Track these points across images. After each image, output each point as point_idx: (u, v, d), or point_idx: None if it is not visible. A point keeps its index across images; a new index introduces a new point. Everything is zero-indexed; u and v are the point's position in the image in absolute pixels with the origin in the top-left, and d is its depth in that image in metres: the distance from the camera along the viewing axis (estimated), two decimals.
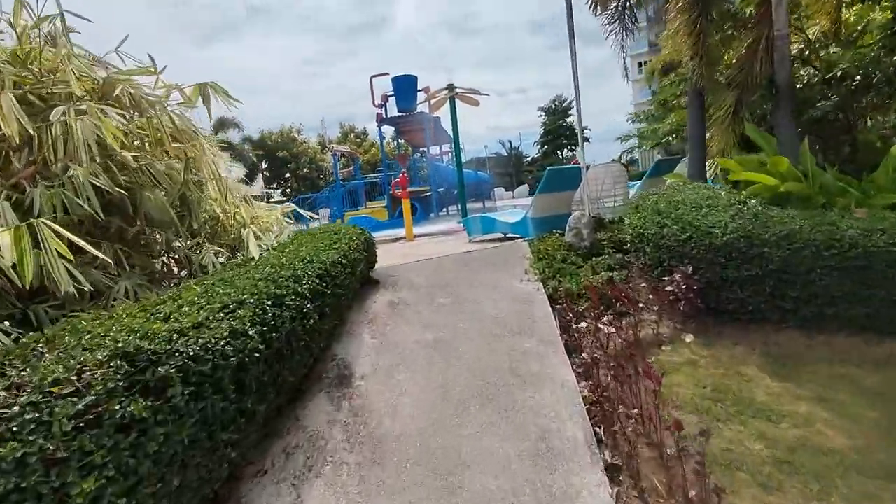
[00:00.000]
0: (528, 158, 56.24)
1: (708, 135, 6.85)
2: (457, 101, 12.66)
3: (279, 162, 36.93)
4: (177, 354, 1.75)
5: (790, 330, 3.69)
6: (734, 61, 6.31)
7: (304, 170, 36.85)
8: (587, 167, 6.54)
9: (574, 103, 5.94)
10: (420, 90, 22.03)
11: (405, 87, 21.65)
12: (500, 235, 7.39)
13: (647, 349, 3.78)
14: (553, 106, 58.40)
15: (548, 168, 6.28)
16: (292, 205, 5.42)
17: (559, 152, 57.71)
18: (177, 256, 3.43)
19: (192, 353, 1.79)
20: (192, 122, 3.67)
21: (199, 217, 3.35)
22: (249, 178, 38.22)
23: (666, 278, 4.13)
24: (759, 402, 2.97)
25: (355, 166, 24.69)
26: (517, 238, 6.90)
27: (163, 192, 3.13)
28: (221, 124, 35.13)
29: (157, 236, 3.17)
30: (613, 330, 3.90)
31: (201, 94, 3.82)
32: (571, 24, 6.12)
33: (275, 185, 38.68)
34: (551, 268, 4.92)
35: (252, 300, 2.28)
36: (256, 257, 3.35)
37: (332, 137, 41.06)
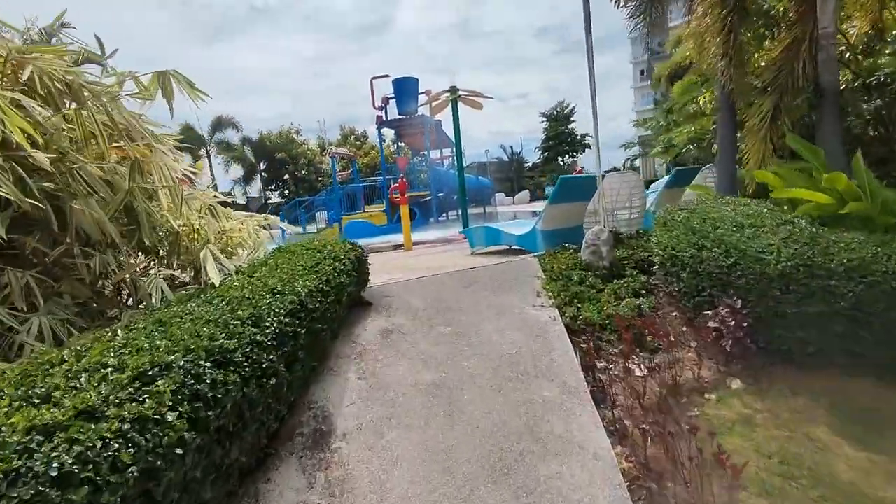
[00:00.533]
0: (529, 164, 55.74)
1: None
2: (459, 103, 12.09)
3: (278, 163, 36.34)
4: (25, 479, 1.12)
5: (863, 379, 3.07)
6: (771, 63, 5.72)
7: (303, 172, 36.25)
8: (602, 176, 5.95)
9: (591, 111, 5.33)
10: (421, 93, 21.48)
11: (406, 89, 21.10)
12: (505, 248, 6.80)
13: (687, 397, 3.17)
14: (555, 112, 58.03)
15: (560, 177, 5.69)
16: (273, 217, 4.78)
17: (560, 158, 57.27)
18: (123, 279, 2.81)
19: (53, 475, 1.15)
20: (145, 117, 3.07)
21: (149, 232, 2.73)
22: (246, 180, 37.71)
23: (708, 312, 3.52)
24: (843, 480, 2.35)
25: (354, 169, 24.10)
26: (524, 252, 6.30)
27: (101, 202, 2.52)
28: (219, 124, 34.60)
29: (94, 257, 2.54)
30: (647, 372, 3.29)
31: (161, 84, 3.22)
32: (589, 22, 5.52)
33: (273, 187, 38.11)
34: (567, 291, 4.31)
35: (184, 361, 1.65)
36: (217, 283, 2.73)
37: (332, 139, 40.50)
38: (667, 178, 7.37)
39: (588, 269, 4.66)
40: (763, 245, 3.42)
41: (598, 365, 3.43)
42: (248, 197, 38.14)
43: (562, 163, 56.30)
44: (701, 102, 11.92)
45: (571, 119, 57.75)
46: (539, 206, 30.85)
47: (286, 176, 36.40)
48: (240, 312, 2.16)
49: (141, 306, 2.85)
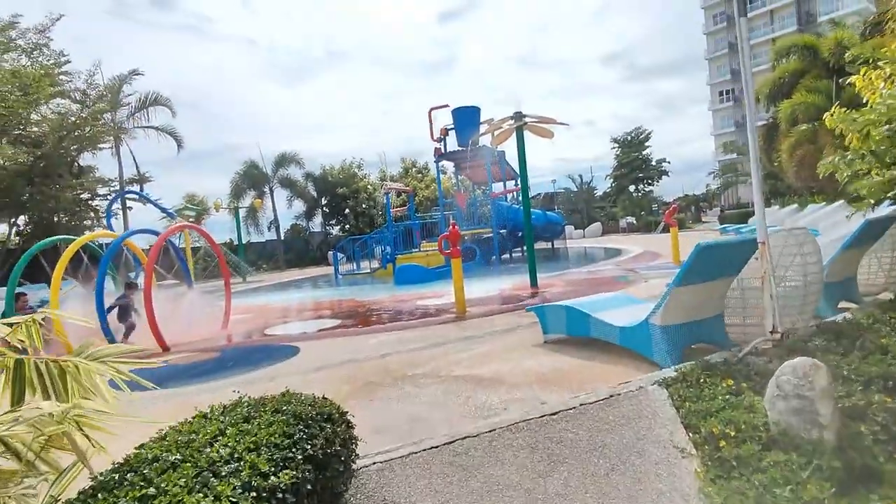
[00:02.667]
0: (599, 193, 52.42)
1: None
2: (525, 132, 10.10)
3: (338, 198, 35.87)
4: None
5: None
6: None
7: (363, 206, 35.50)
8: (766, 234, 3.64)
9: (750, 156, 3.17)
10: (482, 122, 19.73)
11: (467, 119, 19.41)
12: (580, 333, 4.58)
13: None
14: (629, 137, 54.75)
15: (698, 246, 3.45)
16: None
17: (633, 187, 53.57)
18: None
19: None
20: None
21: None
22: (308, 215, 37.59)
23: None
24: None
25: (410, 204, 22.59)
26: (630, 354, 4.04)
27: None
28: (283, 160, 34.80)
29: None
30: None
31: None
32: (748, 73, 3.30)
33: (333, 222, 37.70)
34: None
35: None
36: None
37: (394, 173, 39.75)
38: (856, 230, 4.83)
39: (785, 436, 2.37)
40: None
41: None
42: (310, 231, 37.94)
43: (637, 191, 52.56)
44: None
45: (646, 144, 54.22)
46: (613, 241, 28.27)
47: (346, 210, 35.79)
48: None
49: None
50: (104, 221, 26.63)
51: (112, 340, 6.84)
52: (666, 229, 29.75)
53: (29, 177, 18.49)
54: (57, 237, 8.59)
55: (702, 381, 3.05)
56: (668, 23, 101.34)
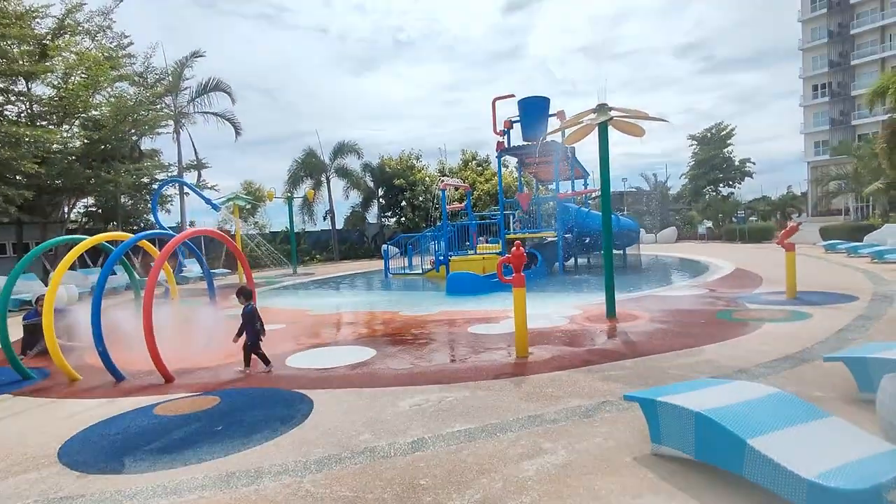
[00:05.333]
0: (673, 193, 48.58)
1: None
2: (609, 127, 8.26)
3: (395, 190, 34.89)
4: None
5: None
6: None
7: (420, 199, 34.32)
8: None
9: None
10: (552, 115, 17.77)
11: (534, 111, 17.50)
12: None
13: None
14: (708, 134, 50.36)
15: None
16: None
17: (713, 188, 49.24)
18: None
19: None
20: None
21: None
22: (364, 206, 36.88)
23: None
24: None
25: (468, 202, 21.02)
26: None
27: None
28: (341, 149, 34.15)
29: None
30: None
31: None
32: None
33: (389, 213, 36.80)
34: None
35: None
36: None
37: (453, 165, 38.28)
38: None
39: None
40: None
41: None
42: (367, 223, 37.27)
43: (713, 192, 48.26)
44: None
45: (728, 142, 49.66)
46: (692, 250, 23.69)
47: (403, 202, 34.72)
48: None
49: None
50: (169, 206, 27.06)
51: (104, 354, 5.75)
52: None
53: (89, 160, 18.53)
54: (63, 237, 7.72)
55: None
56: (751, 11, 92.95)
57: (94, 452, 3.82)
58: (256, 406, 4.74)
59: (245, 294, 6.27)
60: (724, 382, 3.52)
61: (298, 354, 6.94)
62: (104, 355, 5.79)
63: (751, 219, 33.58)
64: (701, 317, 8.06)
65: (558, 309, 9.47)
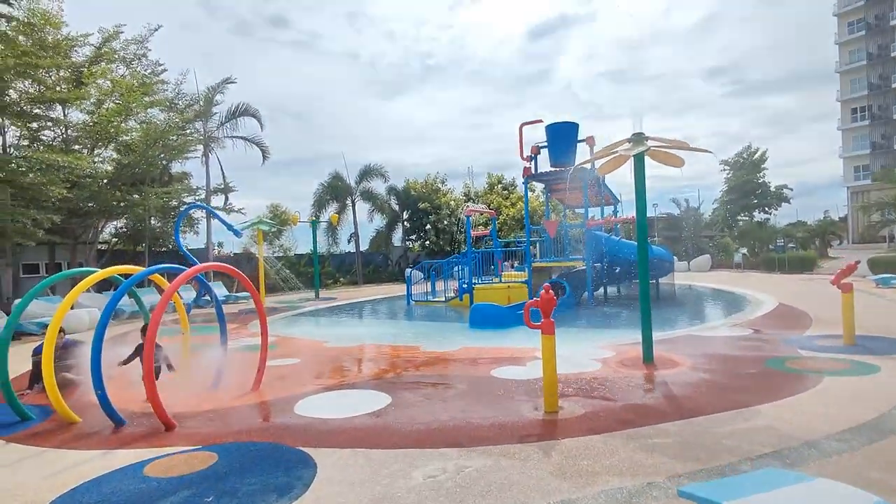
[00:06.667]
0: (705, 219, 47.11)
1: None
2: (647, 157, 7.72)
3: (420, 213, 34.75)
4: None
5: None
6: None
7: (444, 223, 34.04)
8: None
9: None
10: (580, 140, 17.33)
11: (562, 136, 17.07)
12: None
13: None
14: (741, 159, 49.05)
15: None
16: None
17: (748, 214, 47.65)
18: None
19: None
20: None
21: None
22: (389, 228, 36.76)
23: None
24: None
25: (493, 228, 20.54)
26: None
27: None
28: (367, 172, 34.26)
29: None
30: None
31: None
32: None
33: (413, 237, 36.59)
34: None
35: None
36: None
37: (478, 188, 38.00)
38: None
39: None
40: None
41: None
42: (392, 246, 37.13)
43: (748, 217, 46.65)
44: None
45: (762, 167, 48.19)
46: (727, 280, 21.60)
47: (427, 226, 34.48)
48: None
49: None
50: (197, 228, 27.40)
51: (103, 398, 5.41)
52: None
53: (119, 184, 18.83)
54: (76, 269, 7.51)
55: None
56: (784, 34, 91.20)
57: None
58: (256, 468, 4.27)
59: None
60: (805, 479, 2.88)
61: (309, 399, 6.48)
62: (103, 399, 5.44)
63: (789, 246, 32.08)
64: (749, 365, 7.31)
65: (588, 349, 8.82)
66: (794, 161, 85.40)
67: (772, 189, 47.33)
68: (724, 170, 49.54)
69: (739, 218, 47.30)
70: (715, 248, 36.43)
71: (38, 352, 7.44)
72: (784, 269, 27.25)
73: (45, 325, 12.90)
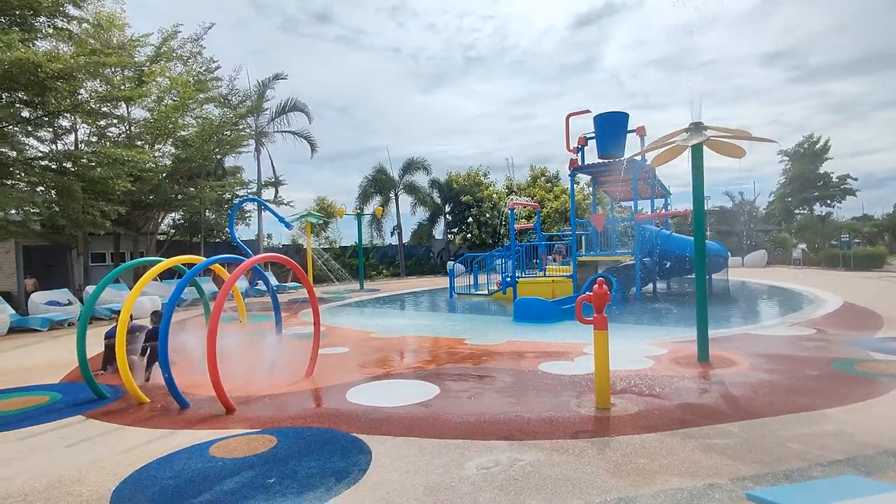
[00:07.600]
0: (762, 212, 44.93)
1: None
2: (705, 148, 7.41)
3: (462, 206, 34.75)
4: None
5: None
6: None
7: (487, 216, 33.91)
8: None
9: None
10: (631, 131, 16.85)
11: (611, 127, 16.64)
12: None
13: None
14: (801, 149, 46.35)
15: None
16: None
17: (807, 207, 45.12)
18: None
19: None
20: None
21: None
22: (432, 221, 36.97)
23: None
24: None
25: (537, 222, 20.31)
26: None
27: None
28: (410, 165, 34.53)
29: None
30: None
31: None
32: None
33: (455, 230, 36.64)
34: None
35: None
36: None
37: (521, 181, 37.59)
38: None
39: None
40: None
41: None
42: (434, 238, 37.34)
43: (808, 211, 44.16)
44: None
45: (825, 157, 45.39)
46: (785, 276, 20.71)
47: (469, 219, 34.45)
48: None
49: None
50: (248, 220, 28.44)
51: (169, 381, 5.74)
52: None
53: (176, 178, 19.76)
54: (142, 259, 7.95)
55: None
56: (849, 15, 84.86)
57: (144, 501, 3.62)
58: (313, 453, 4.42)
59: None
60: (890, 489, 2.72)
61: (359, 387, 6.64)
62: (170, 382, 5.77)
63: (855, 241, 30.16)
64: (813, 366, 6.94)
65: (639, 346, 8.61)
66: (860, 151, 79.56)
67: (834, 180, 44.58)
68: (783, 161, 47.00)
69: (798, 212, 44.86)
70: (771, 243, 34.67)
71: (110, 335, 7.94)
72: (849, 266, 25.67)
73: (114, 311, 13.74)
